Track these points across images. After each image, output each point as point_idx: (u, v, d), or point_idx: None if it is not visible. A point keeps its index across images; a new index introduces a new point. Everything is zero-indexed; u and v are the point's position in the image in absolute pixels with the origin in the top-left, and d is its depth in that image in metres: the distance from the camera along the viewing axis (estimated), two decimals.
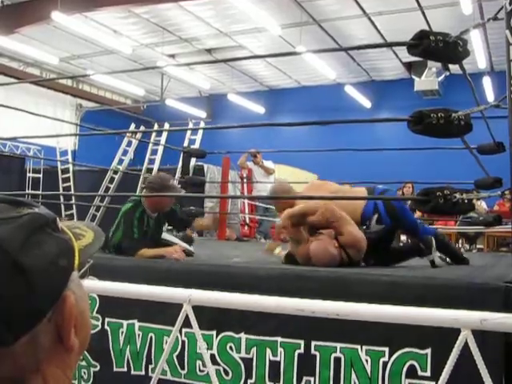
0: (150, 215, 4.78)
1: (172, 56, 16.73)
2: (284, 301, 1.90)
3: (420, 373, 2.54)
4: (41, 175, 14.31)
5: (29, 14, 13.14)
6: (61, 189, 13.73)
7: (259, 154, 10.88)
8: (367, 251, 4.01)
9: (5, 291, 0.65)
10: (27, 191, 13.30)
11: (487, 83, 15.13)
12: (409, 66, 16.75)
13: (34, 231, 0.70)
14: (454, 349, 1.77)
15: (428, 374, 2.53)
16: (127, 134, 12.99)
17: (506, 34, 2.64)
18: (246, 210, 11.77)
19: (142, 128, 14.70)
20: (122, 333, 3.14)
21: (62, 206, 13.12)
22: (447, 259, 4.61)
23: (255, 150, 10.94)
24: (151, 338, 3.07)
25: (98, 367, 3.20)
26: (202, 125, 13.47)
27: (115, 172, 12.80)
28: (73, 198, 12.24)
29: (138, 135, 13.23)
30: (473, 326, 1.72)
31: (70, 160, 15.22)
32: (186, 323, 2.24)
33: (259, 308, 2.01)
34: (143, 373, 3.11)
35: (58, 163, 14.40)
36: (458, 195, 2.93)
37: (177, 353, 2.94)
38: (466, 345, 1.82)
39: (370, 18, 13.56)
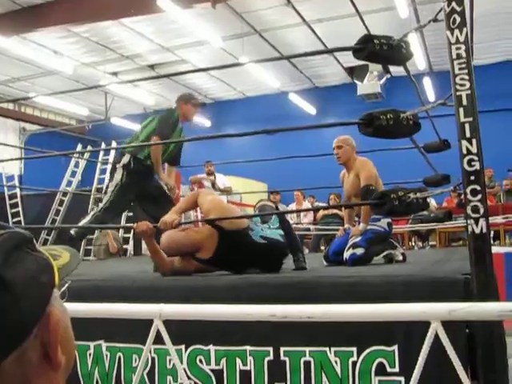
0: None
1: (115, 74, 16.63)
2: (256, 308, 1.91)
3: (389, 369, 2.59)
4: None
5: None
6: (9, 215, 13.45)
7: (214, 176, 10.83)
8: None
9: None
10: None
11: (427, 83, 15.48)
12: (351, 71, 17.02)
13: (13, 249, 0.70)
14: (425, 341, 1.81)
15: (396, 369, 2.57)
16: (74, 155, 12.84)
17: (447, 34, 2.73)
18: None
19: (89, 148, 14.57)
20: (90, 355, 3.10)
21: None
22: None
23: (211, 178, 10.81)
24: (119, 357, 3.04)
25: None
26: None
27: (64, 194, 12.62)
28: (22, 223, 12.02)
29: (86, 155, 13.07)
30: (442, 317, 1.77)
31: (17, 185, 14.93)
32: (155, 339, 2.23)
33: (233, 317, 2.02)
34: None
35: (5, 189, 14.10)
36: (412, 195, 3.00)
37: (147, 370, 2.92)
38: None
39: (309, 26, 13.75)
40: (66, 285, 0.81)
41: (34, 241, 0.76)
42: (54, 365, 0.72)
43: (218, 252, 4.05)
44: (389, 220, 5.15)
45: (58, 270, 0.76)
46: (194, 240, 4.08)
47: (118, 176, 5.54)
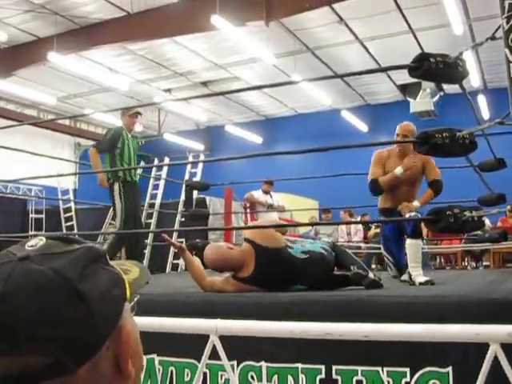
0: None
1: (168, 90, 16.87)
2: (312, 326, 1.91)
3: None
4: (43, 215, 14.29)
5: (25, 56, 13.33)
6: (64, 228, 13.72)
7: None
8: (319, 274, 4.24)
9: (67, 318, 0.67)
10: (30, 232, 13.30)
11: (482, 101, 15.23)
12: (403, 89, 16.86)
13: (89, 262, 0.73)
14: (484, 364, 1.77)
15: None
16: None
17: (506, 52, 2.70)
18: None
19: (142, 163, 14.79)
20: (143, 368, 3.12)
21: None
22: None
23: (267, 197, 10.41)
24: (172, 371, 3.07)
25: None
26: (202, 157, 13.56)
27: None
28: (76, 236, 12.19)
29: (139, 170, 13.24)
30: (502, 339, 1.73)
31: (72, 199, 15.23)
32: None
33: (288, 334, 2.02)
34: None
35: (60, 202, 14.41)
36: (467, 213, 2.97)
37: None
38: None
39: (362, 43, 13.72)
40: (136, 299, 0.83)
41: (107, 256, 0.79)
42: (124, 376, 0.75)
43: (257, 269, 4.09)
44: None
45: (129, 285, 0.79)
46: (236, 257, 4.16)
47: (118, 204, 6.68)
